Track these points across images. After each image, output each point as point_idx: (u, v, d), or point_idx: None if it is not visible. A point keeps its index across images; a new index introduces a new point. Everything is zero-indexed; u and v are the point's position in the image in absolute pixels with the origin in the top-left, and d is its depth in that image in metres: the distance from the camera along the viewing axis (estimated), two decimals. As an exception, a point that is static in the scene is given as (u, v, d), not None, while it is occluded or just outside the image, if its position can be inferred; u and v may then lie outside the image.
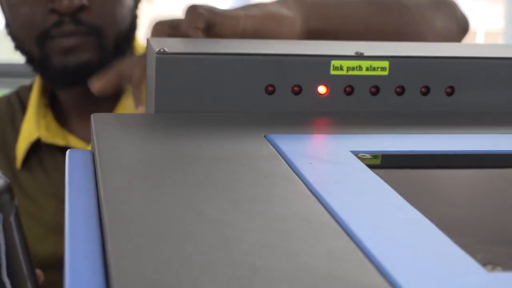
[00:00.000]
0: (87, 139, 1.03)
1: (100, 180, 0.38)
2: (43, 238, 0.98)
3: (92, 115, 0.51)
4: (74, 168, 0.43)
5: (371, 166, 0.42)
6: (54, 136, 1.02)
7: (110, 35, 0.96)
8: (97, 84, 0.66)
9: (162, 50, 0.53)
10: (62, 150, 1.02)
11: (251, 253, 0.30)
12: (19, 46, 0.99)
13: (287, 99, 0.55)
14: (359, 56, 0.55)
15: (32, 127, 1.02)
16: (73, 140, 1.03)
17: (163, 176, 0.39)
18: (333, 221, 0.34)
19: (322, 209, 0.35)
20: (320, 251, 0.30)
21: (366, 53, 0.55)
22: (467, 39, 0.83)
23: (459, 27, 0.80)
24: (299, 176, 0.40)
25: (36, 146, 1.02)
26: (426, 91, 0.57)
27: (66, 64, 0.95)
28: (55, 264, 0.95)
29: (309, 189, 0.38)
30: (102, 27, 0.95)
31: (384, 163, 0.46)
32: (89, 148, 1.01)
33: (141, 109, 0.63)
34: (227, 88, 0.54)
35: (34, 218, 0.99)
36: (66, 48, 0.94)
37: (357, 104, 0.56)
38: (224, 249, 0.30)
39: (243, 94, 0.54)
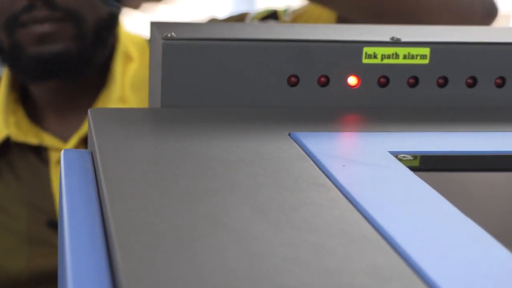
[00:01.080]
0: (64, 136, 1.02)
1: (104, 185, 0.37)
2: (15, 251, 0.97)
3: (89, 110, 0.50)
4: (71, 171, 0.43)
5: (412, 169, 0.41)
6: (26, 134, 1.00)
7: (89, 21, 0.94)
8: None
9: (169, 35, 0.52)
10: (35, 150, 1.00)
11: (282, 270, 0.29)
12: None
13: (313, 92, 0.54)
14: (396, 42, 0.54)
15: (0, 125, 1.00)
16: (47, 139, 1.01)
17: (175, 180, 0.38)
18: (375, 233, 0.33)
19: (362, 218, 0.34)
20: (362, 269, 0.30)
21: (404, 38, 0.54)
22: (497, 24, 0.82)
23: (484, 9, 0.79)
24: (331, 181, 0.39)
25: (5, 147, 1.00)
26: (472, 83, 0.56)
27: (40, 54, 0.93)
28: (29, 279, 0.95)
29: (344, 195, 0.37)
30: (79, 11, 0.93)
31: (427, 165, 0.45)
32: (66, 147, 1.00)
33: None
34: (244, 79, 0.53)
35: (4, 228, 0.98)
36: (40, 35, 0.92)
37: (393, 97, 0.55)
38: (251, 266, 0.29)
39: (262, 86, 0.53)
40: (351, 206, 0.36)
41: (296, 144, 0.45)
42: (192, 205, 0.35)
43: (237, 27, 0.56)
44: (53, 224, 0.98)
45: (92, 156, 0.45)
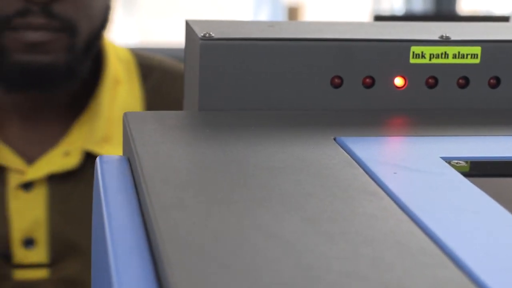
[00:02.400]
0: (28, 156, 0.96)
1: (146, 193, 0.38)
2: None
3: (124, 114, 0.50)
4: (108, 179, 0.43)
5: (466, 175, 0.41)
6: None
7: (83, 32, 0.91)
8: None
9: (207, 34, 0.53)
10: None
11: (339, 285, 0.29)
12: None
13: (357, 94, 0.54)
14: (445, 41, 0.54)
15: None
16: (7, 155, 0.95)
17: (220, 189, 0.39)
18: (433, 246, 0.33)
19: (418, 230, 0.34)
20: (423, 283, 0.30)
21: (453, 37, 0.54)
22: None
23: None
24: (383, 189, 0.39)
25: None
26: (526, 83, 0.56)
27: (27, 63, 0.89)
28: None
29: (398, 205, 0.37)
30: (77, 23, 0.89)
31: (482, 171, 0.45)
32: (31, 170, 0.93)
33: None
34: (285, 81, 0.53)
35: None
36: (31, 43, 0.88)
37: (442, 99, 0.55)
38: (306, 280, 0.30)
39: (304, 88, 0.53)
40: (405, 216, 0.36)
41: (342, 150, 0.45)
42: (240, 215, 0.36)
43: (277, 26, 0.57)
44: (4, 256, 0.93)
45: (129, 162, 0.45)
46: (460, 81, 0.55)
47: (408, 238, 0.34)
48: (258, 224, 0.35)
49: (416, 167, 0.42)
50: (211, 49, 0.52)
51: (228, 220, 0.35)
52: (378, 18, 2.76)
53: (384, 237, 0.34)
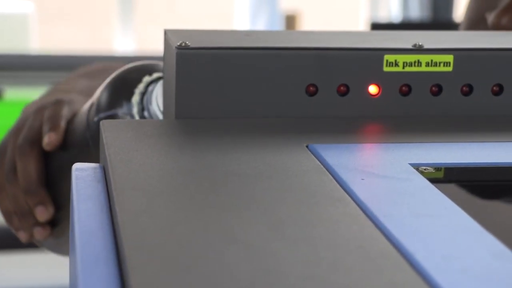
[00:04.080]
0: None
1: (115, 201, 0.38)
2: None
3: (101, 122, 0.51)
4: (82, 187, 0.44)
5: (434, 181, 0.42)
6: None
7: None
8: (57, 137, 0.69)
9: (183, 44, 0.53)
10: None
11: (298, 288, 0.30)
12: None
13: (332, 101, 0.55)
14: (418, 49, 0.55)
15: None
16: None
17: (190, 196, 0.39)
18: (393, 250, 0.34)
19: (380, 235, 0.35)
20: (380, 286, 0.30)
21: (426, 45, 0.55)
22: None
23: None
24: (350, 195, 0.40)
25: None
26: (498, 90, 0.57)
27: None
28: None
29: (363, 210, 0.38)
30: None
31: (449, 177, 0.46)
32: None
33: None
34: (261, 89, 0.54)
35: None
36: None
37: (415, 106, 0.56)
38: (266, 285, 0.30)
39: (280, 96, 0.54)
40: (369, 221, 0.37)
41: (314, 157, 0.46)
42: (207, 221, 0.36)
43: (253, 35, 0.57)
44: None
45: (104, 170, 0.46)
46: (433, 88, 0.56)
47: (369, 243, 0.34)
48: (224, 230, 0.35)
49: (383, 173, 0.43)
50: (187, 58, 0.53)
51: (194, 226, 0.36)
52: (375, 25, 2.78)
53: (346, 242, 0.35)
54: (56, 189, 0.72)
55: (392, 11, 3.82)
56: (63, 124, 0.71)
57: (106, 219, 0.39)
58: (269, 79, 0.54)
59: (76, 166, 0.47)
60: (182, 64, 0.53)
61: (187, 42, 0.54)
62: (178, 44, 0.53)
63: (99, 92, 0.68)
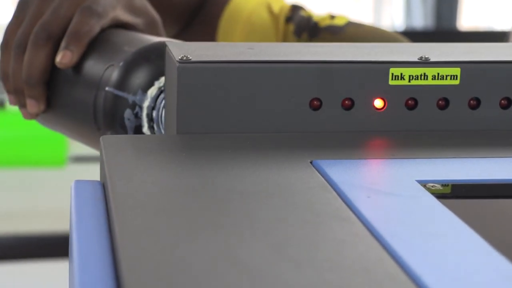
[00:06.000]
0: None
1: (115, 220, 0.38)
2: None
3: (101, 138, 0.50)
4: (81, 204, 0.43)
5: (441, 198, 0.41)
6: None
7: None
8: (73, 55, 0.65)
9: (184, 57, 0.53)
10: None
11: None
12: None
13: (336, 116, 0.54)
14: (424, 62, 0.54)
15: None
16: None
17: (190, 214, 0.39)
18: (401, 272, 0.33)
19: (387, 256, 0.34)
20: (387, 311, 0.30)
21: (433, 58, 0.54)
22: None
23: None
24: (355, 213, 0.39)
25: None
26: (507, 104, 0.56)
27: None
28: None
29: (369, 230, 0.37)
30: None
31: (457, 194, 0.45)
32: None
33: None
34: (264, 104, 0.53)
35: None
36: None
37: (422, 120, 0.55)
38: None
39: (283, 111, 0.53)
40: (375, 241, 0.36)
41: (318, 173, 0.45)
42: (207, 242, 0.35)
43: (256, 48, 0.57)
44: None
45: (104, 187, 0.45)
46: (440, 102, 0.55)
47: (376, 264, 0.34)
48: (225, 251, 0.35)
49: (390, 190, 0.42)
50: (189, 72, 0.52)
51: (195, 247, 0.35)
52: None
53: (352, 264, 0.34)
54: (54, 90, 0.69)
55: (395, 20, 3.81)
56: (85, 42, 0.67)
57: (105, 239, 0.38)
58: (272, 93, 0.53)
59: (75, 182, 0.47)
60: (183, 78, 0.52)
61: (188, 56, 0.53)
62: (179, 58, 0.53)
63: (117, 62, 0.64)
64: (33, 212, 2.67)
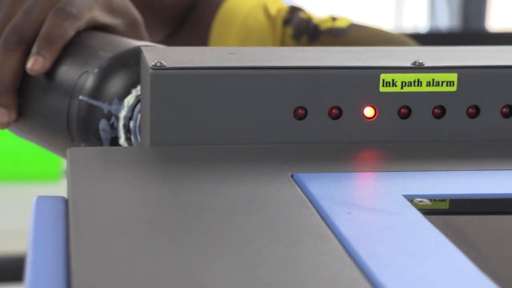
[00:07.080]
0: None
1: (71, 239, 0.37)
2: None
3: (68, 150, 0.50)
4: (40, 221, 0.43)
5: (430, 213, 0.41)
6: None
7: None
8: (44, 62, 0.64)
9: (158, 63, 0.52)
10: None
11: None
12: None
13: (323, 126, 0.54)
14: (418, 67, 0.54)
15: None
16: None
17: (154, 233, 0.38)
18: (374, 295, 0.32)
19: (361, 277, 0.34)
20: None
21: (427, 62, 0.54)
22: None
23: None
24: (332, 231, 0.39)
25: None
26: (508, 112, 0.56)
27: None
28: None
29: (345, 248, 0.37)
30: None
31: (447, 210, 0.45)
32: None
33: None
34: (245, 113, 0.53)
35: None
36: None
37: (416, 130, 0.55)
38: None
39: (265, 120, 0.53)
40: (351, 261, 0.35)
41: (298, 188, 0.45)
42: (171, 264, 0.35)
43: (239, 53, 0.57)
44: None
45: (67, 204, 0.45)
46: (436, 110, 0.55)
47: (347, 286, 0.33)
48: (188, 273, 0.34)
49: (373, 206, 0.42)
50: (163, 79, 0.52)
51: (156, 270, 0.35)
52: (400, 36, 2.75)
53: (323, 285, 0.33)
54: (26, 97, 0.69)
55: (418, 21, 3.80)
56: (58, 47, 0.66)
57: (61, 261, 0.38)
58: (254, 101, 0.53)
59: (37, 198, 0.46)
60: (157, 86, 0.52)
61: (162, 62, 0.53)
62: (153, 64, 0.52)
63: (92, 68, 0.63)
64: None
